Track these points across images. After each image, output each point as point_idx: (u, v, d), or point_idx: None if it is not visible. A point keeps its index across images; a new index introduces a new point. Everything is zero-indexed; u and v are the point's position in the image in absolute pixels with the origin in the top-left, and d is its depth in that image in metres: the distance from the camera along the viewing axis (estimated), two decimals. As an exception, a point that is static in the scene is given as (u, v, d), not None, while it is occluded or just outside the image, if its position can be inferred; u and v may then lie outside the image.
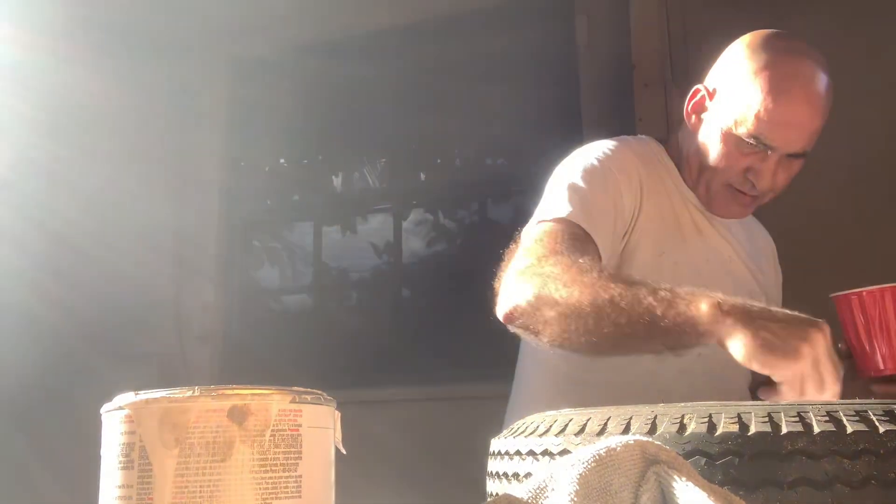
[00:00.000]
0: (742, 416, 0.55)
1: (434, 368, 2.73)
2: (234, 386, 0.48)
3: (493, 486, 0.68)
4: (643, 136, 1.35)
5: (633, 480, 0.47)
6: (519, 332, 1.05)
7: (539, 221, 1.12)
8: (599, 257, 1.08)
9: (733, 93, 1.16)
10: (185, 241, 3.08)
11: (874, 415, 0.53)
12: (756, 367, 0.84)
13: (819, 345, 0.82)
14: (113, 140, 2.96)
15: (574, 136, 1.45)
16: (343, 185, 3.24)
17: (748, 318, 0.84)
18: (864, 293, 1.10)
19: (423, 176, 3.17)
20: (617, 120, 2.44)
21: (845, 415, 0.53)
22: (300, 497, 0.48)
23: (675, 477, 0.46)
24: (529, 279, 1.01)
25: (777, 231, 1.51)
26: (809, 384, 0.82)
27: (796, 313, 0.87)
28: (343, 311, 3.17)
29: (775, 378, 0.84)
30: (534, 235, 1.09)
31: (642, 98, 2.42)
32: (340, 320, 3.09)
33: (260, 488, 0.46)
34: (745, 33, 1.23)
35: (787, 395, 0.83)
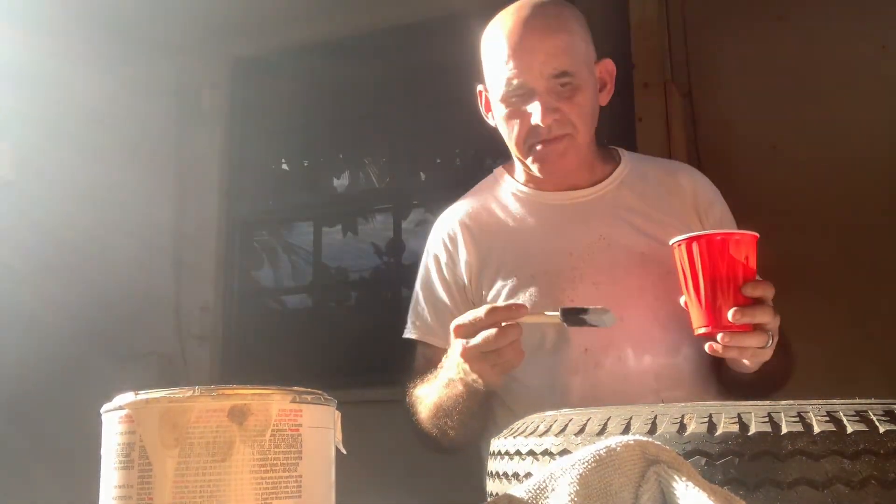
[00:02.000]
0: (742, 416, 0.55)
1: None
2: (235, 386, 0.48)
3: (493, 486, 0.68)
4: (494, 172, 1.38)
5: (634, 480, 0.47)
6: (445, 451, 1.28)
7: (404, 336, 1.32)
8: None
9: (487, 74, 1.26)
10: (185, 241, 3.07)
11: (874, 415, 0.53)
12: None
13: (468, 352, 0.99)
14: (113, 140, 2.96)
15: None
16: (343, 185, 3.24)
17: (466, 370, 1.03)
18: (684, 241, 0.97)
19: (423, 176, 3.16)
20: (617, 120, 2.43)
21: (845, 415, 0.53)
22: (300, 497, 0.48)
23: (676, 477, 0.46)
24: (413, 419, 1.24)
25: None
26: (487, 366, 1.00)
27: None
28: (343, 311, 3.17)
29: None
30: (410, 363, 1.30)
31: (642, 98, 2.42)
32: (340, 320, 3.09)
33: (260, 488, 0.46)
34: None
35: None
